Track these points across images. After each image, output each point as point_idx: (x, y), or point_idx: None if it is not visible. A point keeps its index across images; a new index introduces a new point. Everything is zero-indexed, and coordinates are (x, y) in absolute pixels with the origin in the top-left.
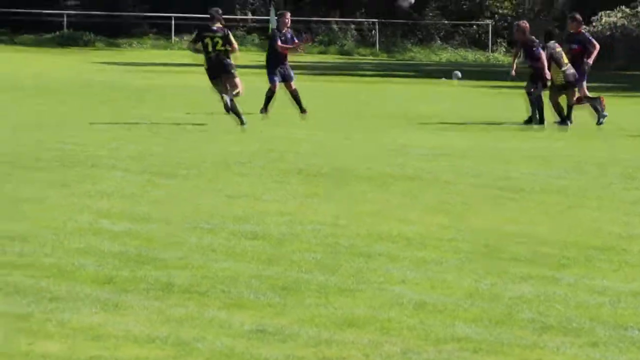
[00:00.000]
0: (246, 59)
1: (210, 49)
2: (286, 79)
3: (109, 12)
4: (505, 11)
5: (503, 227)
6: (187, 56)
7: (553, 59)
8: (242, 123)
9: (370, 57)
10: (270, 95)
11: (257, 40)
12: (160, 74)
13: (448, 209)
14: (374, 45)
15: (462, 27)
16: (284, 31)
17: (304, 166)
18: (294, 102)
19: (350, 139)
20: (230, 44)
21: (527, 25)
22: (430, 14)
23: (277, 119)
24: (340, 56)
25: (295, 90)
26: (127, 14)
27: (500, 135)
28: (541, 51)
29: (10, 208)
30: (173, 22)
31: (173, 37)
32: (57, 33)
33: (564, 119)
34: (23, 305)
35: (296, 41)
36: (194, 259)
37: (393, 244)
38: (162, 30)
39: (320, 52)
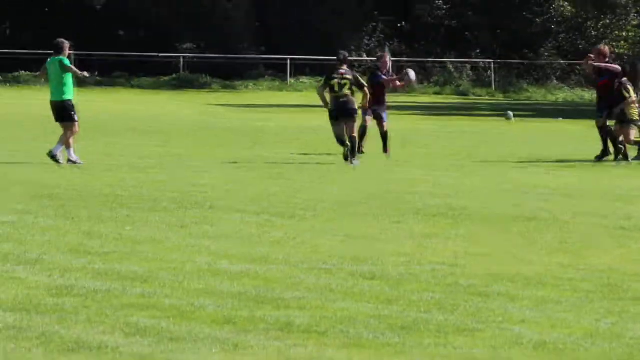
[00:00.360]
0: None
1: (337, 89)
2: (379, 119)
3: (225, 54)
4: (622, 50)
5: (624, 267)
6: (303, 97)
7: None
8: (346, 159)
9: (487, 97)
10: (362, 133)
11: None
12: (277, 115)
13: (567, 249)
14: (490, 85)
15: (578, 67)
16: (384, 72)
17: (421, 206)
18: (382, 140)
19: (467, 179)
20: (361, 86)
21: (607, 49)
22: (546, 54)
23: (394, 160)
24: (456, 96)
25: (386, 132)
26: (243, 56)
27: (617, 174)
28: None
29: (131, 249)
30: (289, 63)
31: (289, 78)
32: (174, 75)
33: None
34: (144, 346)
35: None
36: (313, 299)
37: (512, 283)
38: (277, 72)
39: (436, 93)
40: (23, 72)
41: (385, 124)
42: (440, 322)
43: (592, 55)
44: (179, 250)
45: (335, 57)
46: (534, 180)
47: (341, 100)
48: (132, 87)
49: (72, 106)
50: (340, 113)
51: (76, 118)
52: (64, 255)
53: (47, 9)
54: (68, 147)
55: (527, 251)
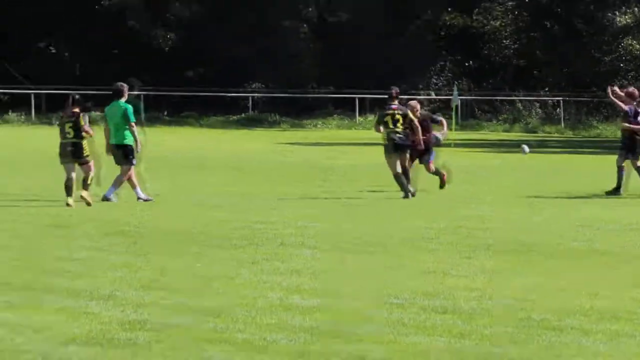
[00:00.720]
0: None
1: (390, 126)
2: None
3: (294, 93)
4: None
5: None
6: (372, 135)
7: None
8: (405, 196)
9: (556, 135)
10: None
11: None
12: (345, 153)
13: None
14: (559, 122)
15: None
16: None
17: (492, 242)
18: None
19: (537, 215)
20: (411, 121)
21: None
22: None
23: (464, 196)
24: (525, 134)
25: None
26: (312, 95)
27: None
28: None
29: (203, 285)
30: (357, 101)
31: (357, 116)
32: (243, 114)
33: None
34: None
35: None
36: (385, 333)
37: (585, 317)
38: (346, 110)
39: (505, 130)
40: (94, 112)
41: (431, 164)
42: (513, 356)
43: (615, 88)
44: (250, 286)
45: (404, 96)
46: (606, 215)
47: (392, 136)
48: (202, 126)
49: (132, 150)
50: (392, 147)
51: (134, 162)
52: (136, 291)
53: (116, 51)
54: (134, 187)
55: (600, 286)
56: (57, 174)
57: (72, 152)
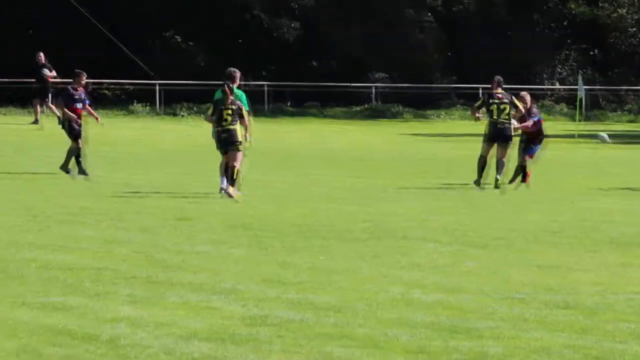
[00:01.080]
0: (555, 128)
1: (495, 116)
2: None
3: (417, 84)
4: None
5: None
6: None
7: None
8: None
9: None
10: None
11: (565, 110)
12: (469, 144)
13: None
14: None
15: None
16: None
17: (616, 235)
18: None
19: None
20: (516, 107)
21: None
22: None
23: (587, 188)
24: None
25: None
26: (435, 86)
27: None
28: None
29: (324, 279)
30: (480, 92)
31: None
32: (366, 105)
33: None
34: None
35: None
36: (506, 328)
37: None
38: (469, 101)
39: (630, 121)
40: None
41: (528, 157)
42: (636, 352)
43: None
44: (372, 280)
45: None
46: None
47: (499, 126)
48: (325, 117)
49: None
50: (496, 137)
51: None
52: (257, 285)
53: (240, 40)
54: (221, 175)
55: None
56: (183, 166)
57: (227, 139)
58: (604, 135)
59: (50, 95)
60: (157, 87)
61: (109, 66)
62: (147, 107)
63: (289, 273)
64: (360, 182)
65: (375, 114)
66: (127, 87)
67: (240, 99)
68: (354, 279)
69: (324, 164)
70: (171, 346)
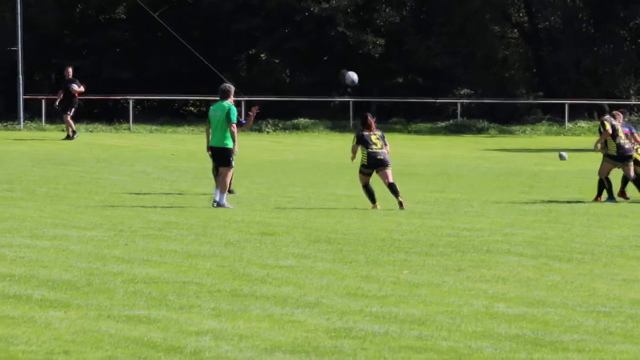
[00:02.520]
0: None
1: (620, 139)
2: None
3: (502, 99)
4: None
5: None
6: (581, 142)
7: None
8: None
9: None
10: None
11: None
12: (553, 159)
13: None
14: None
15: None
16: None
17: None
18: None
19: None
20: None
21: None
22: None
23: None
24: None
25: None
26: (520, 101)
27: None
28: None
29: (408, 292)
30: (567, 107)
31: (566, 122)
32: (452, 121)
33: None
34: None
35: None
36: (591, 341)
37: None
38: (555, 116)
39: None
40: (302, 119)
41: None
42: None
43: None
44: (455, 294)
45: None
46: None
47: (624, 147)
48: (409, 132)
49: (231, 152)
50: (621, 158)
51: (233, 164)
52: (341, 298)
53: (325, 58)
54: (222, 191)
55: None
56: (267, 180)
57: (381, 161)
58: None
59: (73, 109)
60: (243, 103)
61: (194, 82)
62: None
63: (372, 286)
64: (444, 196)
65: (460, 129)
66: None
67: (229, 110)
68: (437, 292)
69: (407, 178)
70: (255, 359)
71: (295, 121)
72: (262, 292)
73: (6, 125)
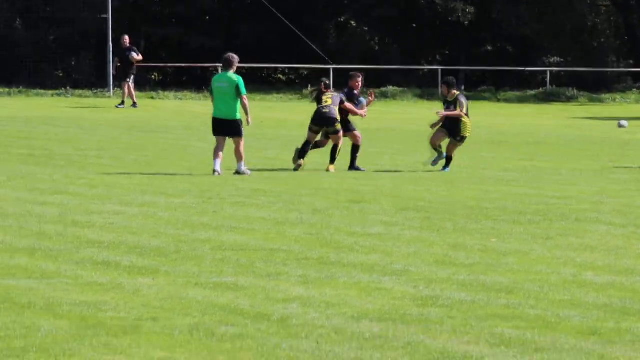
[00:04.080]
0: None
1: None
2: None
3: (592, 67)
4: None
5: None
6: None
7: None
8: None
9: None
10: None
11: None
12: None
13: None
14: None
15: None
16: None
17: None
18: None
19: None
20: None
21: None
22: None
23: None
24: None
25: None
26: (610, 69)
27: None
28: None
29: (496, 261)
30: None
31: None
32: (541, 89)
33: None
34: (509, 357)
35: None
36: None
37: None
38: None
39: None
40: (390, 87)
41: None
42: None
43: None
44: (544, 262)
45: None
46: None
47: None
48: (499, 101)
49: (241, 123)
50: None
51: (243, 133)
52: (429, 266)
53: (414, 25)
54: (240, 160)
55: None
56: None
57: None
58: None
59: (132, 77)
60: (331, 71)
61: (283, 50)
62: None
63: (460, 254)
64: (533, 164)
65: (549, 98)
66: (301, 71)
67: (238, 83)
68: (525, 261)
69: (496, 146)
70: (342, 326)
71: (384, 89)
72: (350, 260)
73: (96, 93)
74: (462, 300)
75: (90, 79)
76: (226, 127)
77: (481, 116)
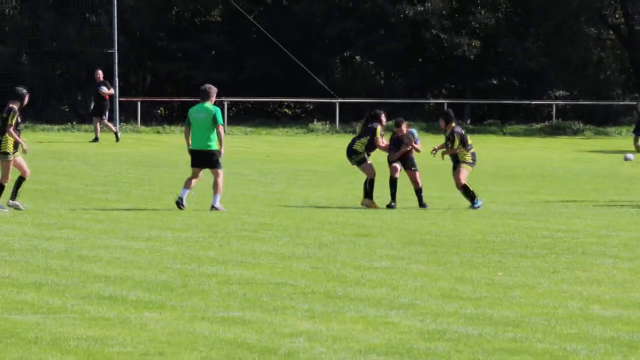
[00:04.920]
0: None
1: None
2: None
3: (599, 100)
4: None
5: None
6: None
7: None
8: None
9: None
10: None
11: None
12: None
13: None
14: None
15: None
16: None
17: None
18: None
19: None
20: None
21: None
22: None
23: None
24: None
25: None
26: (617, 103)
27: None
28: None
29: (502, 294)
30: None
31: None
32: (547, 123)
33: None
34: None
35: None
36: None
37: None
38: None
39: None
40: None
41: None
42: None
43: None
44: (550, 296)
45: None
46: None
47: None
48: (504, 134)
49: (218, 154)
50: None
51: (221, 165)
52: (435, 300)
53: (420, 59)
54: (217, 192)
55: None
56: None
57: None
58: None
59: (107, 112)
60: (337, 105)
61: (288, 84)
62: (327, 125)
63: (467, 288)
64: (539, 198)
65: (555, 131)
66: (307, 105)
67: (215, 113)
68: (532, 294)
69: (502, 180)
70: None
71: (390, 123)
72: (356, 294)
73: (102, 128)
74: (469, 334)
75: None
76: (206, 159)
77: (487, 149)
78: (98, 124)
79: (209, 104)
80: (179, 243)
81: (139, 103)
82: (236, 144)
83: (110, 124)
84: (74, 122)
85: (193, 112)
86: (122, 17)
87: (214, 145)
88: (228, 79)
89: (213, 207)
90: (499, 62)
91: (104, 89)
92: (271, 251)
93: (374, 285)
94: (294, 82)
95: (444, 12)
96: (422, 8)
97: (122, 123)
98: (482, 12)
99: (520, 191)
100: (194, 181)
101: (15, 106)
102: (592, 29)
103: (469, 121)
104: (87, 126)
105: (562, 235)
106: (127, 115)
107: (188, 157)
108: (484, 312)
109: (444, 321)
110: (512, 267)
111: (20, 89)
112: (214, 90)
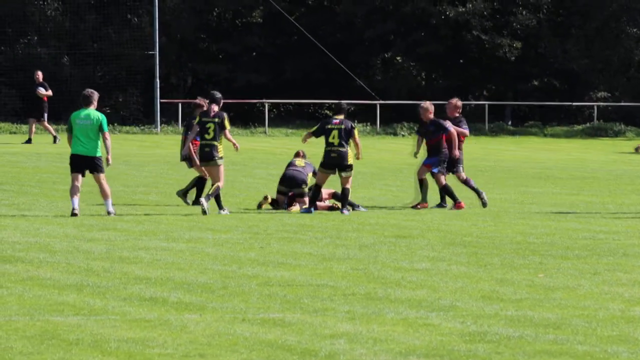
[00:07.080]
0: None
1: None
2: None
3: (639, 102)
4: None
5: None
6: None
7: None
8: None
9: None
10: None
11: None
12: None
13: None
14: None
15: None
16: None
17: None
18: None
19: None
20: None
21: None
22: None
23: None
24: None
25: None
26: None
27: None
28: None
29: (543, 296)
30: None
31: None
32: (588, 124)
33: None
34: None
35: None
36: None
37: None
38: None
39: None
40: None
41: None
42: None
43: None
44: (591, 297)
45: None
46: None
47: None
48: (545, 136)
49: (101, 160)
50: None
51: (104, 169)
52: (476, 302)
53: (461, 60)
54: (107, 198)
55: None
56: (401, 183)
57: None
58: None
59: (45, 113)
60: (378, 107)
61: (329, 86)
62: (368, 126)
63: (507, 290)
64: (580, 199)
65: (596, 133)
66: (348, 106)
67: (102, 121)
68: (573, 296)
69: (543, 181)
70: None
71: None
72: (397, 296)
73: (143, 129)
74: (509, 336)
75: (138, 115)
76: (86, 163)
77: (528, 151)
78: (33, 125)
79: (93, 110)
80: (219, 244)
81: (179, 104)
82: (277, 146)
83: (49, 126)
84: (115, 124)
85: (76, 117)
86: (163, 19)
87: (98, 151)
88: (268, 80)
89: (108, 213)
90: (540, 63)
91: (42, 90)
92: (312, 252)
93: (415, 286)
94: (334, 83)
95: (485, 12)
96: (463, 9)
97: (163, 125)
98: (524, 12)
99: (561, 193)
100: (77, 187)
101: (221, 111)
102: (634, 30)
103: (509, 122)
104: (128, 127)
105: (604, 237)
106: (168, 116)
107: (236, 159)
108: (525, 313)
109: (484, 323)
110: (553, 269)
111: (215, 92)
112: (95, 95)
